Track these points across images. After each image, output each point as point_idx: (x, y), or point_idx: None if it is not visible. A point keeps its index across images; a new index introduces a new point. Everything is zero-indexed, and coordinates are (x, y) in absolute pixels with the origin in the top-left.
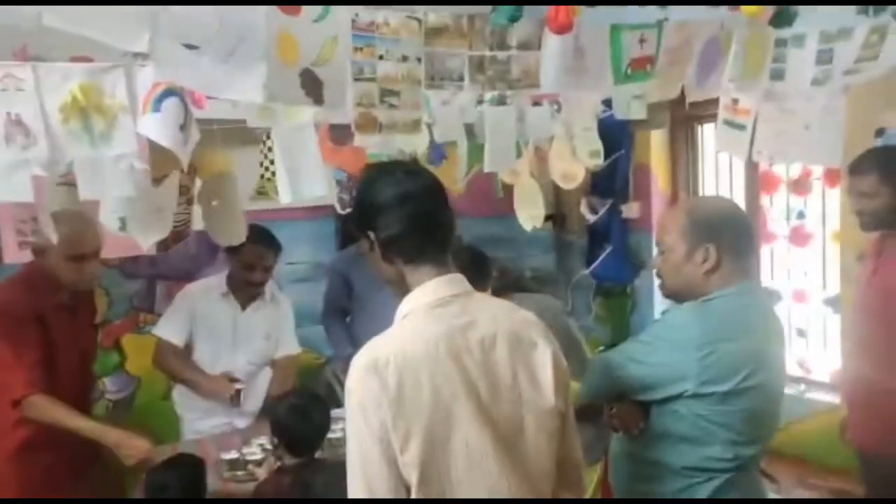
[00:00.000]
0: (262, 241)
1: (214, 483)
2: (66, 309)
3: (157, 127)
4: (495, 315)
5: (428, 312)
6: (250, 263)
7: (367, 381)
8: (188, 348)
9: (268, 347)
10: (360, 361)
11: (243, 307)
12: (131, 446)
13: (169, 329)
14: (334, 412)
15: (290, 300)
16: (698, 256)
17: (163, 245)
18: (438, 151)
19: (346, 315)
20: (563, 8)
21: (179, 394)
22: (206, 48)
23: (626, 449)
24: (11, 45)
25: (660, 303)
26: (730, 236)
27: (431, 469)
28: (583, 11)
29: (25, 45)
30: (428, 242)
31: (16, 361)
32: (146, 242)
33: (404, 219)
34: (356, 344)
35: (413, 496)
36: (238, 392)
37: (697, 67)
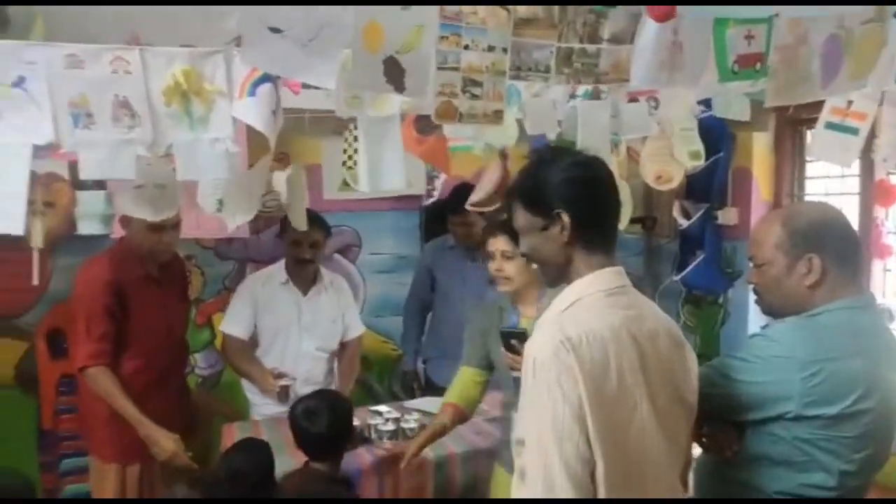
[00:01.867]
0: (311, 220)
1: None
2: (151, 281)
3: (252, 111)
4: (654, 311)
5: (603, 299)
6: (297, 240)
7: (564, 358)
8: (253, 339)
9: (334, 331)
10: (554, 337)
11: (304, 293)
12: (160, 445)
13: (233, 324)
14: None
15: (360, 284)
16: (801, 268)
17: (254, 228)
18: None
19: (428, 309)
20: None
21: (249, 386)
22: (289, 32)
23: (715, 468)
24: (123, 34)
25: (754, 316)
26: (834, 244)
27: (612, 451)
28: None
29: (137, 34)
30: (609, 231)
31: (86, 334)
32: (233, 223)
33: (598, 203)
34: (433, 337)
35: (597, 476)
36: (284, 388)
37: (820, 70)
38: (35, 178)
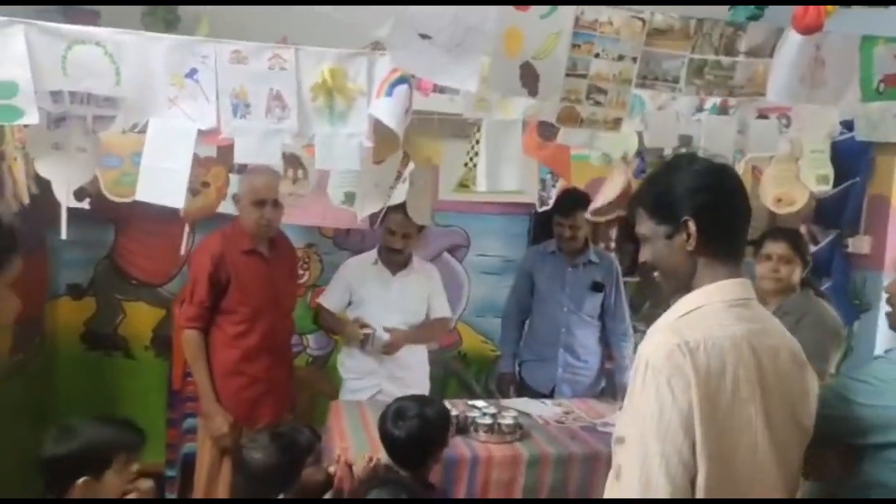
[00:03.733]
0: (405, 212)
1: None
2: (258, 255)
3: (388, 110)
4: (777, 327)
5: (726, 309)
6: (392, 230)
7: (679, 360)
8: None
9: (419, 308)
10: (670, 340)
11: (393, 273)
12: (216, 422)
13: (329, 299)
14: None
15: (465, 283)
16: None
17: (371, 221)
18: (640, 165)
19: (528, 313)
20: (814, 7)
21: (341, 362)
22: (437, 38)
23: (827, 496)
24: (274, 35)
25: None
26: None
27: (718, 461)
28: (836, 12)
29: (286, 36)
30: (737, 241)
31: (189, 298)
32: (361, 213)
33: (728, 212)
34: (530, 341)
35: (698, 483)
36: (367, 336)
37: None
38: (195, 160)
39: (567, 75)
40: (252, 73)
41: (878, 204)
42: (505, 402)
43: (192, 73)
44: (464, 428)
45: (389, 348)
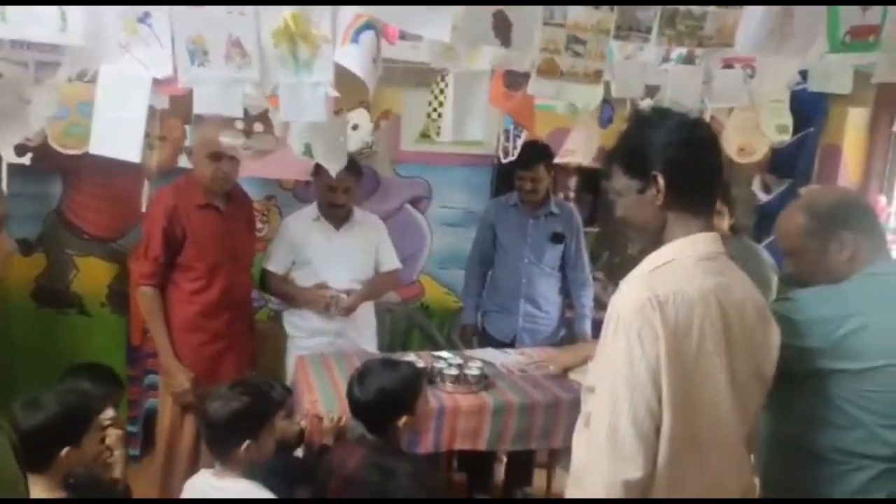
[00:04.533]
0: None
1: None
2: (213, 210)
3: (354, 57)
4: (744, 282)
5: (696, 263)
6: (331, 185)
7: (649, 314)
8: (287, 274)
9: (367, 262)
10: (641, 294)
11: (337, 228)
12: (175, 379)
13: (274, 262)
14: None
15: (428, 235)
16: (834, 247)
17: (317, 173)
18: (607, 112)
19: (490, 265)
20: None
21: (290, 320)
22: None
23: (771, 433)
24: None
25: None
26: (858, 219)
27: (682, 410)
28: None
29: None
30: (707, 195)
31: (144, 254)
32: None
33: (699, 166)
34: (492, 292)
35: (663, 431)
36: (333, 299)
37: None
38: (153, 113)
39: (545, 24)
40: (209, 18)
41: (831, 153)
42: (469, 352)
43: (144, 17)
44: (430, 379)
45: (347, 311)
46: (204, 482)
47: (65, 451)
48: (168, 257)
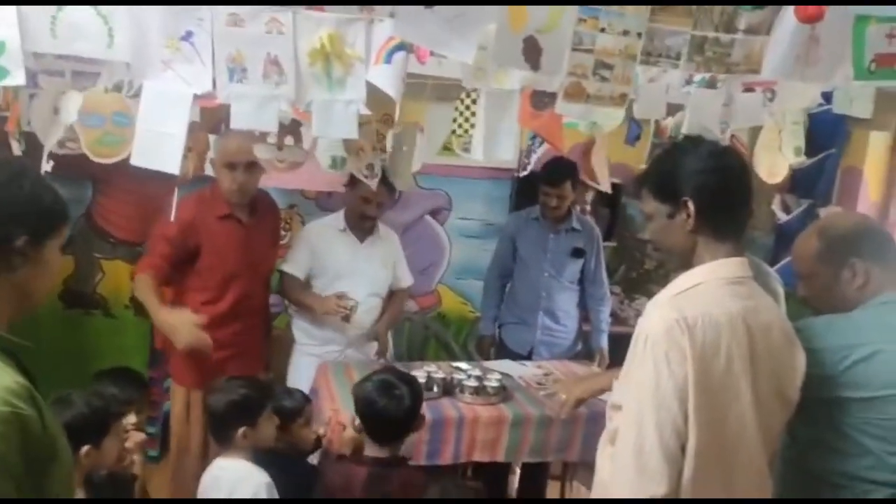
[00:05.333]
0: (381, 179)
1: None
2: (233, 221)
3: (386, 77)
4: (770, 305)
5: (724, 287)
6: (367, 198)
7: (677, 335)
8: (308, 281)
9: (387, 277)
10: (669, 316)
11: (361, 241)
12: (179, 333)
13: (292, 265)
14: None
15: (447, 246)
16: (846, 274)
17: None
18: (634, 130)
19: (509, 277)
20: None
21: (298, 322)
22: (439, 8)
23: (786, 453)
24: None
25: None
26: (872, 248)
27: (708, 430)
28: None
29: None
30: (737, 220)
31: (149, 251)
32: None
33: (728, 193)
34: (510, 304)
35: (688, 449)
36: (353, 308)
37: None
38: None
39: (574, 50)
40: (249, 37)
41: (851, 176)
42: (488, 363)
43: (187, 35)
44: (449, 390)
45: (382, 347)
46: (214, 466)
47: (84, 450)
48: (174, 259)
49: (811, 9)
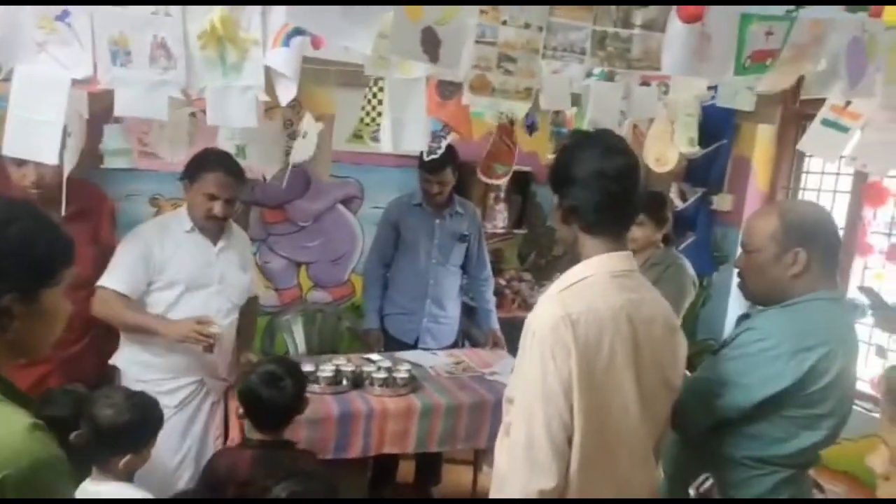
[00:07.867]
0: (231, 170)
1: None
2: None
3: (285, 60)
4: (654, 297)
5: (609, 281)
6: (213, 194)
7: (562, 331)
8: (141, 298)
9: (244, 282)
10: (555, 312)
11: (214, 243)
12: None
13: (120, 279)
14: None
15: (360, 235)
16: (787, 259)
17: (260, 172)
18: (530, 119)
19: (389, 267)
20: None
21: (127, 352)
22: None
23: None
24: None
25: (734, 301)
26: (822, 242)
27: (593, 421)
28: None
29: None
30: (610, 219)
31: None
32: (270, 172)
33: (594, 194)
34: (394, 293)
35: (574, 440)
36: (216, 337)
37: (846, 69)
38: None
39: (477, 42)
40: (132, 18)
41: (741, 165)
42: (399, 354)
43: (63, 15)
44: (359, 382)
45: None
46: (81, 490)
47: (127, 457)
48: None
49: (691, 9)
